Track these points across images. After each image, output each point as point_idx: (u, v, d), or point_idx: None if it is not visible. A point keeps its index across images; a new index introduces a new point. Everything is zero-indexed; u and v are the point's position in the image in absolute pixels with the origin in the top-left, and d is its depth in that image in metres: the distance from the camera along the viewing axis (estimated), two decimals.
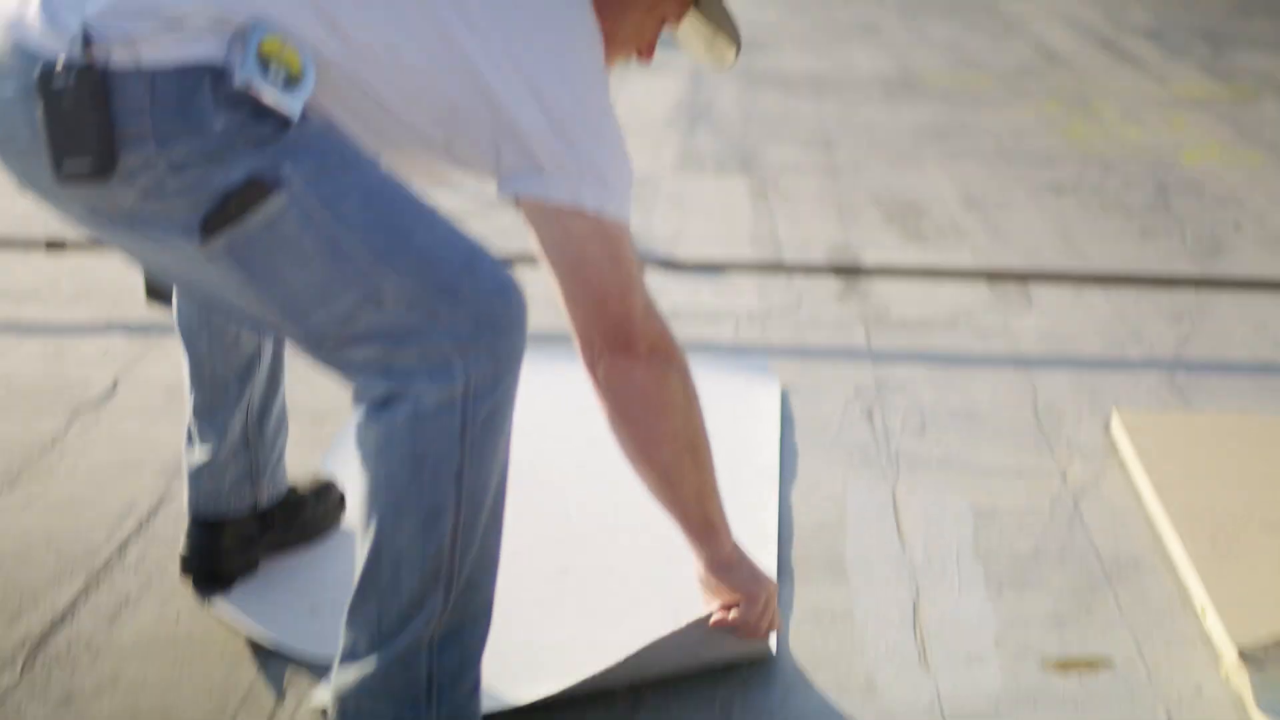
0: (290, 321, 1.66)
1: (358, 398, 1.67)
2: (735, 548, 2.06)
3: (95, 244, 3.61)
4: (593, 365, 1.86)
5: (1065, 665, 2.16)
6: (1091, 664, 2.17)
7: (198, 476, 2.23)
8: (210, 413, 2.21)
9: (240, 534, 2.25)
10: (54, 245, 3.58)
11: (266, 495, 2.26)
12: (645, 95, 6.33)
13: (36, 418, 2.87)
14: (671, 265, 3.94)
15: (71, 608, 2.22)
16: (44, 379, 3.07)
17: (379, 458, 1.65)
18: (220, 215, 1.59)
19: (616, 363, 1.84)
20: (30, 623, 2.17)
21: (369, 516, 1.68)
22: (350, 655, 1.72)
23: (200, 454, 2.22)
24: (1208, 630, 2.25)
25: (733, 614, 2.03)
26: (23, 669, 2.06)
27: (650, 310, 1.91)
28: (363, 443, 1.67)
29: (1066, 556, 2.47)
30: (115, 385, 3.04)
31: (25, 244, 3.91)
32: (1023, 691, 2.09)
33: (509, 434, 1.70)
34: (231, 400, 2.19)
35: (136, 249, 1.70)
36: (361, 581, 1.69)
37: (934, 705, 2.05)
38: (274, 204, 1.60)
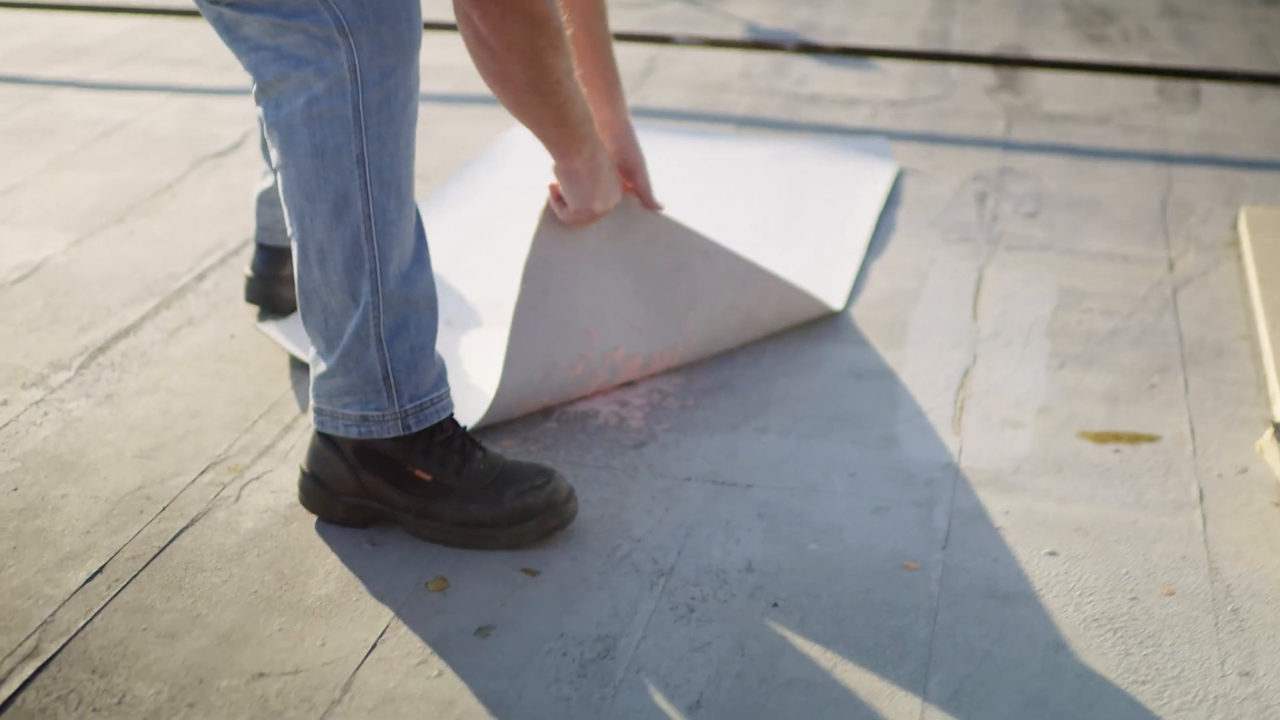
0: None
1: (258, 93, 1.70)
2: (587, 164, 1.96)
3: None
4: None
5: (1104, 437, 2.08)
6: (1134, 438, 2.08)
7: (261, 201, 2.30)
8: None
9: None
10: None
11: None
12: None
13: (160, 166, 2.99)
14: (814, 49, 3.84)
15: (139, 323, 2.33)
16: (178, 132, 3.19)
17: (286, 156, 1.69)
18: None
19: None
20: (97, 334, 2.29)
21: (290, 218, 1.72)
22: (315, 360, 1.77)
23: (265, 180, 2.29)
24: (1275, 417, 2.13)
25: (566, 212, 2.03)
26: (77, 369, 2.18)
27: None
28: (271, 145, 1.71)
29: (1145, 339, 2.36)
30: (241, 140, 3.14)
31: (188, 15, 4.04)
32: (1050, 457, 2.02)
33: (411, 126, 1.71)
34: None
35: None
36: (300, 285, 1.73)
37: (952, 463, 2.00)
38: None
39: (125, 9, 3.99)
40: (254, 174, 2.91)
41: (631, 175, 2.12)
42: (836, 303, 2.42)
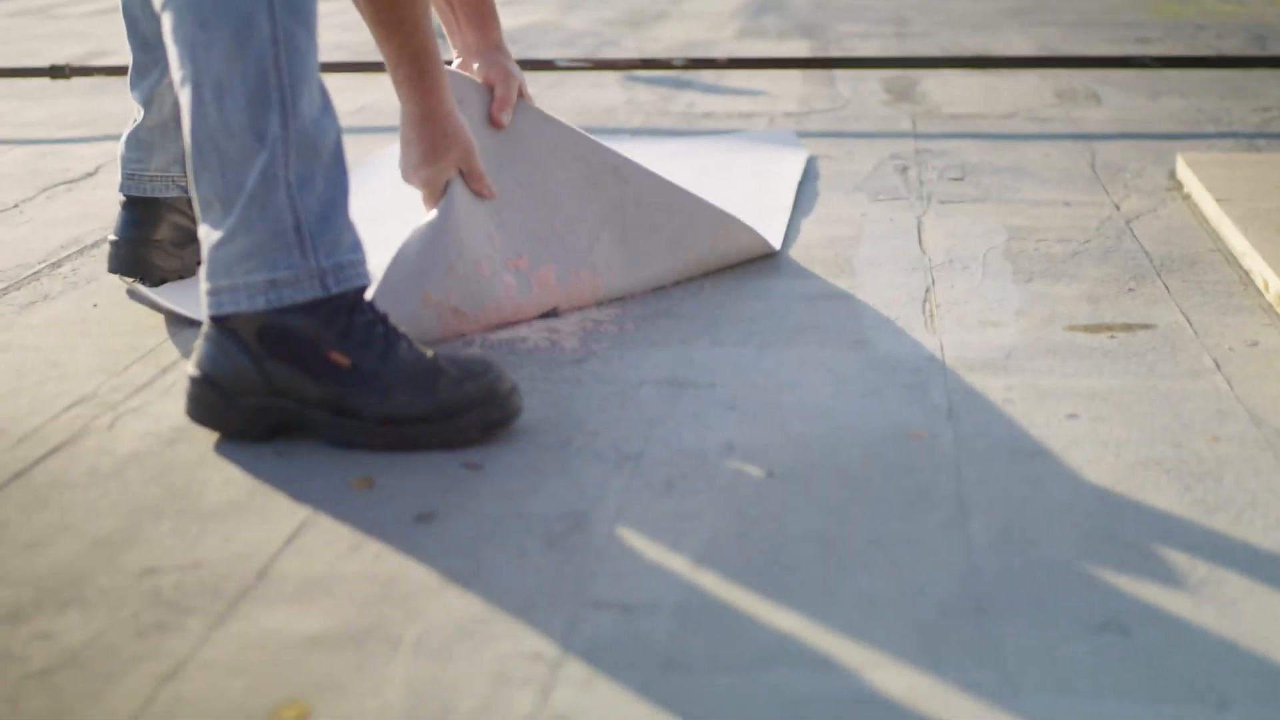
0: None
1: None
2: (433, 110, 1.80)
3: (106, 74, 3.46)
4: None
5: (1094, 329, 1.86)
6: (1128, 327, 1.86)
7: (128, 144, 2.03)
8: (142, 76, 2.01)
9: (175, 225, 2.03)
10: (57, 72, 3.43)
11: None
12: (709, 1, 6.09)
13: (4, 192, 2.69)
14: (704, 63, 3.68)
15: None
16: (23, 167, 2.89)
17: None
18: None
19: None
20: None
21: (178, 58, 1.45)
22: (208, 232, 1.49)
23: (135, 120, 2.02)
24: (1270, 302, 1.93)
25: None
26: None
27: None
28: None
29: (1109, 257, 2.16)
30: (95, 170, 2.85)
31: (24, 76, 3.77)
32: (1042, 345, 1.79)
33: None
34: (161, 66, 1.98)
35: None
36: (192, 134, 1.46)
37: (935, 355, 1.76)
38: None
39: None
40: (113, 196, 2.62)
41: (494, 85, 1.94)
42: (774, 242, 2.19)
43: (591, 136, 2.00)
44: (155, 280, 2.02)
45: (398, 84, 1.81)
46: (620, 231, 1.98)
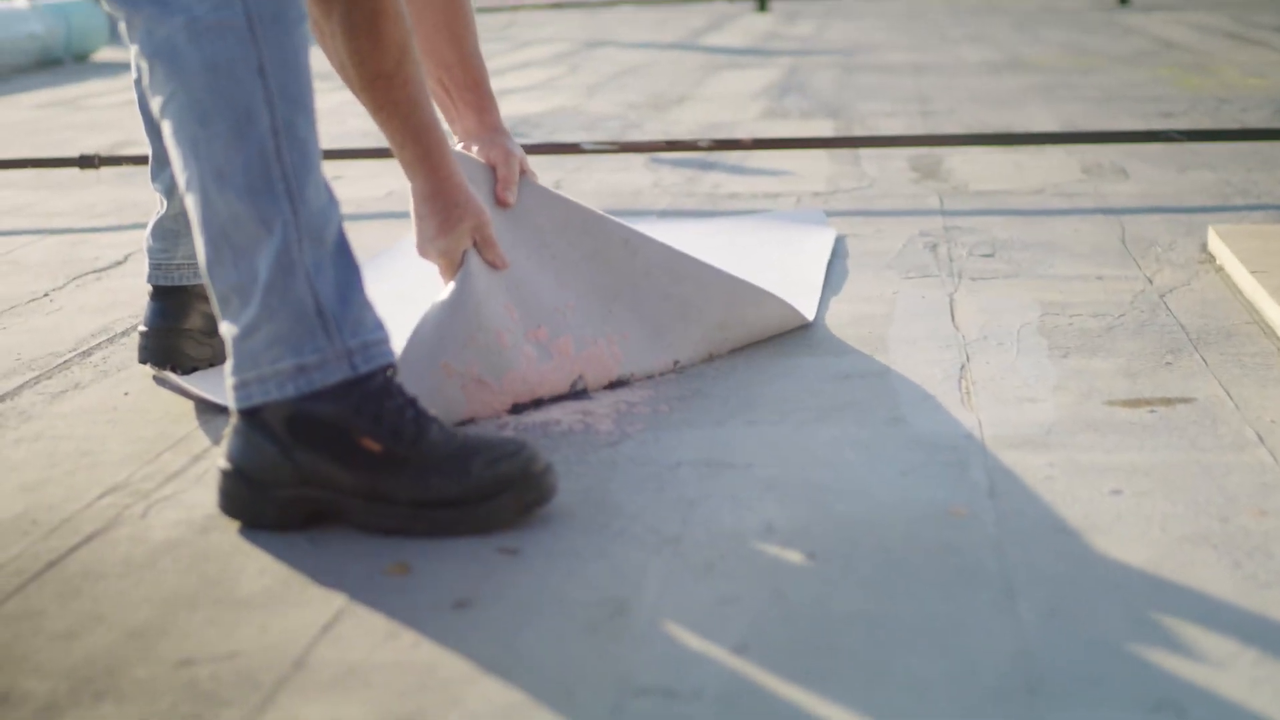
0: None
1: (128, 30, 1.48)
2: (442, 184, 1.81)
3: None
4: None
5: (1134, 403, 1.84)
6: (1167, 402, 1.84)
7: (154, 234, 2.04)
8: (162, 166, 2.03)
9: (204, 313, 2.03)
10: (86, 162, 3.46)
11: None
12: (737, 81, 6.12)
13: (35, 281, 2.70)
14: (730, 144, 3.69)
15: (15, 391, 2.01)
16: (54, 257, 2.90)
17: (173, 82, 1.45)
18: None
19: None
20: None
21: (181, 160, 1.46)
22: (229, 327, 1.48)
23: (159, 211, 2.04)
24: None
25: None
26: None
27: None
28: (153, 81, 1.47)
29: (1145, 331, 2.14)
30: (124, 259, 2.86)
31: (54, 167, 3.80)
32: (1081, 421, 1.77)
33: (307, 49, 1.49)
34: None
35: None
36: (204, 231, 1.46)
37: (974, 433, 1.74)
38: None
39: None
40: (143, 285, 2.63)
41: (496, 165, 1.95)
42: (807, 312, 2.17)
43: (597, 211, 2.00)
44: (186, 369, 2.02)
45: (404, 164, 1.81)
46: (632, 302, 1.97)
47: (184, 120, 1.44)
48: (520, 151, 1.99)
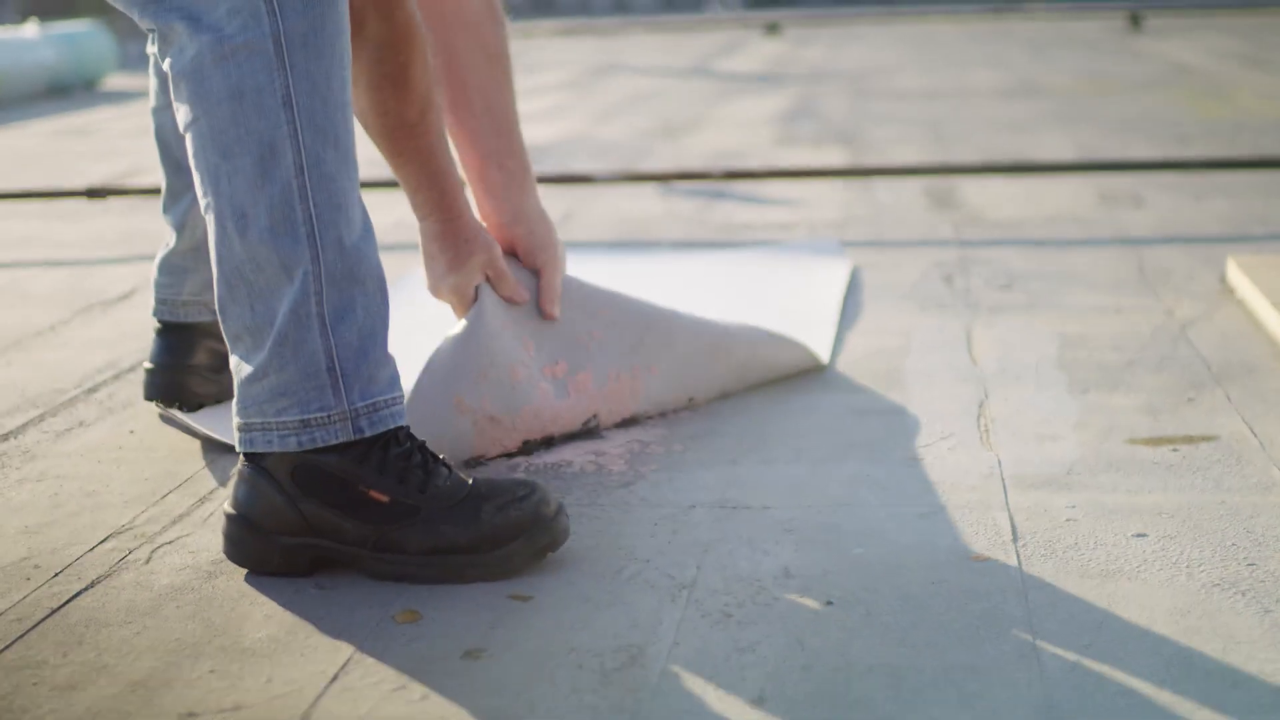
0: None
1: (159, 45, 1.43)
2: (453, 221, 1.78)
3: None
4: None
5: (1156, 441, 1.80)
6: (1190, 440, 1.80)
7: (161, 269, 2.01)
8: (174, 201, 2.00)
9: (211, 350, 2.01)
10: (95, 193, 3.44)
11: None
12: (748, 107, 6.10)
13: (41, 313, 2.67)
14: (743, 174, 3.66)
15: (19, 429, 1.98)
16: (62, 289, 2.88)
17: (196, 108, 1.40)
18: None
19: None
20: None
21: (202, 186, 1.42)
22: (239, 365, 1.45)
23: (167, 245, 2.01)
24: None
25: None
26: None
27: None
28: (178, 99, 1.43)
29: (1166, 365, 2.11)
30: (131, 292, 2.84)
31: (60, 198, 3.79)
32: (1103, 460, 1.74)
33: (344, 68, 1.44)
34: (194, 190, 1.96)
35: None
36: (219, 266, 1.43)
37: (994, 472, 1.70)
38: None
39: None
40: (149, 318, 2.60)
41: (536, 267, 1.87)
42: (822, 355, 2.14)
43: (622, 294, 1.96)
44: (193, 406, 1.99)
45: (416, 206, 1.78)
46: (666, 333, 1.94)
47: (206, 149, 1.41)
48: (554, 245, 1.90)
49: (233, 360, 1.46)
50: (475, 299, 1.79)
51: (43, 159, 5.08)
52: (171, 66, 1.42)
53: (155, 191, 3.37)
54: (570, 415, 1.84)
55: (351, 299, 1.43)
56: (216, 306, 1.45)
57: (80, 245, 3.35)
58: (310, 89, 1.40)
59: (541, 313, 1.86)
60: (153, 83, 2.01)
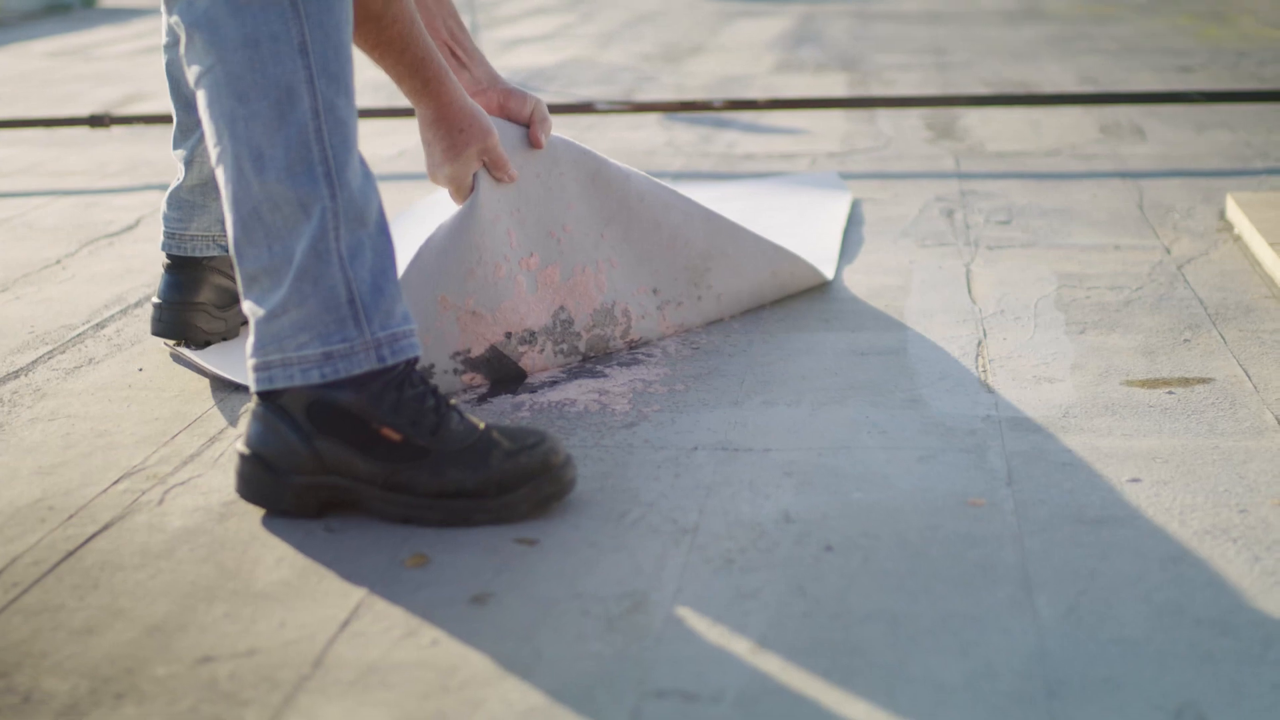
0: None
1: (169, 4, 1.44)
2: (445, 108, 1.77)
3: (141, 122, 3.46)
4: None
5: (1152, 383, 1.83)
6: (1185, 382, 1.83)
7: (170, 203, 2.03)
8: (184, 136, 2.01)
9: (218, 287, 2.03)
10: (98, 121, 3.44)
11: None
12: (750, 29, 6.07)
13: (47, 247, 2.69)
14: (745, 104, 3.66)
15: (29, 366, 2.01)
16: (67, 221, 2.89)
17: (211, 55, 1.42)
18: None
19: None
20: None
21: (215, 135, 1.44)
22: (253, 307, 1.47)
23: (178, 178, 2.03)
24: None
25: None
26: None
27: None
28: (190, 51, 1.44)
29: (1163, 305, 2.13)
30: (136, 223, 2.85)
31: (66, 125, 3.79)
32: (1099, 402, 1.76)
33: (349, 22, 1.46)
34: (202, 127, 1.98)
35: None
36: (235, 207, 1.44)
37: (991, 415, 1.73)
38: None
39: (1, 124, 3.71)
40: (154, 251, 2.62)
41: (519, 110, 1.90)
42: (826, 271, 2.17)
43: (589, 150, 1.99)
44: (199, 343, 2.02)
45: (406, 94, 1.78)
46: (624, 228, 1.99)
47: (221, 95, 1.43)
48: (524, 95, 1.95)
49: (247, 304, 1.48)
50: (472, 189, 1.81)
51: (45, 83, 5.06)
52: (182, 17, 1.44)
53: (158, 119, 3.38)
54: (541, 308, 1.89)
55: (360, 240, 1.45)
56: (231, 250, 1.47)
57: (84, 174, 3.36)
58: (324, 38, 1.42)
59: (531, 142, 1.89)
60: (165, 19, 2.01)
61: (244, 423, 1.51)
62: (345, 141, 1.44)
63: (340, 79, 1.44)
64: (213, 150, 1.45)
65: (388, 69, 1.75)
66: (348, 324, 1.45)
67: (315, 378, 1.45)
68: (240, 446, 1.51)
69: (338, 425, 1.47)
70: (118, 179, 3.28)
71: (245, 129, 1.42)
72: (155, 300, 2.03)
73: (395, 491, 1.47)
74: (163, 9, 2.00)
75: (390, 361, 1.46)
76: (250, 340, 1.49)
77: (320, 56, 1.42)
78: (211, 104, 1.43)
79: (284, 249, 1.43)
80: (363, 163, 1.49)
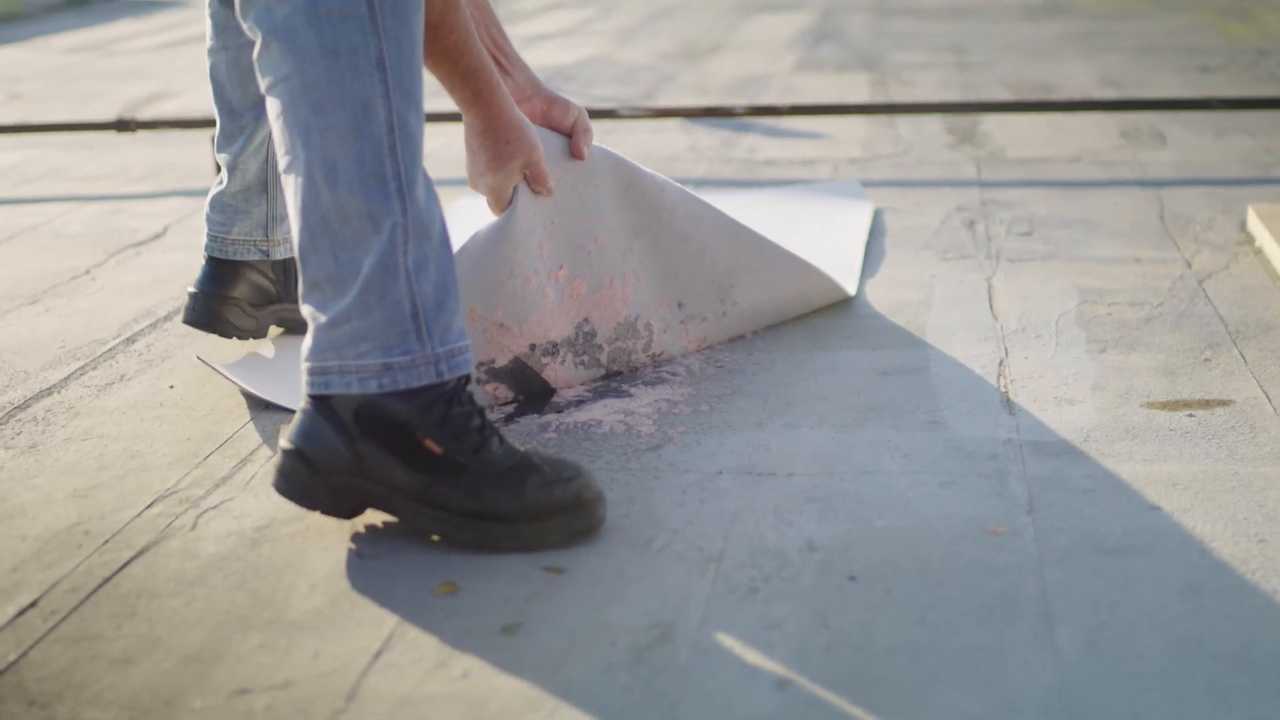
0: None
1: (245, 5, 1.46)
2: (494, 119, 1.78)
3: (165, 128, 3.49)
4: None
5: (1172, 405, 1.84)
6: (1205, 404, 1.84)
7: (213, 206, 2.07)
8: (228, 142, 2.04)
9: (254, 284, 2.06)
10: (123, 126, 3.46)
11: (281, 253, 2.08)
12: (769, 27, 6.08)
13: (74, 256, 2.72)
14: (766, 110, 3.67)
15: (62, 383, 2.04)
16: (93, 229, 2.92)
17: (287, 63, 1.44)
18: None
19: None
20: (14, 394, 2.00)
21: (286, 145, 1.46)
22: (314, 314, 1.49)
23: (220, 183, 2.06)
24: None
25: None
26: None
27: None
28: (265, 59, 1.47)
29: (1184, 322, 2.14)
30: (164, 231, 2.88)
31: (93, 129, 3.81)
32: (1120, 426, 1.78)
33: (421, 36, 1.49)
34: (246, 133, 2.01)
35: None
36: (304, 217, 1.47)
37: (1012, 439, 1.75)
38: None
39: (25, 128, 3.74)
40: (182, 260, 2.65)
41: (562, 119, 1.92)
42: (849, 286, 2.19)
43: (627, 161, 2.01)
44: (228, 337, 2.05)
45: (457, 103, 1.80)
46: (652, 240, 2.00)
47: (297, 104, 1.45)
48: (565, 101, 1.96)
49: (306, 308, 1.50)
50: (511, 201, 1.83)
51: (67, 80, 5.09)
52: (258, 24, 1.45)
53: (185, 125, 3.40)
54: (565, 319, 1.91)
55: (425, 254, 1.48)
56: (296, 254, 1.49)
57: (108, 179, 3.39)
58: (399, 53, 1.45)
59: (572, 153, 1.91)
60: (209, 25, 2.03)
61: (295, 419, 1.52)
62: (415, 157, 1.47)
63: (413, 94, 1.46)
64: (282, 158, 1.47)
65: (441, 78, 1.77)
66: (410, 338, 1.47)
67: (373, 387, 1.48)
68: (284, 441, 1.53)
69: (383, 432, 1.49)
70: (142, 184, 3.31)
71: (320, 140, 1.44)
72: (190, 289, 2.07)
73: (428, 505, 1.49)
74: (207, 11, 2.03)
75: (447, 376, 1.49)
76: (307, 343, 1.51)
77: (396, 71, 1.44)
78: (285, 112, 1.46)
79: (351, 260, 1.46)
80: (426, 176, 1.52)
